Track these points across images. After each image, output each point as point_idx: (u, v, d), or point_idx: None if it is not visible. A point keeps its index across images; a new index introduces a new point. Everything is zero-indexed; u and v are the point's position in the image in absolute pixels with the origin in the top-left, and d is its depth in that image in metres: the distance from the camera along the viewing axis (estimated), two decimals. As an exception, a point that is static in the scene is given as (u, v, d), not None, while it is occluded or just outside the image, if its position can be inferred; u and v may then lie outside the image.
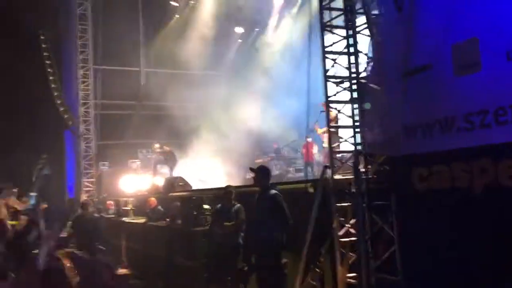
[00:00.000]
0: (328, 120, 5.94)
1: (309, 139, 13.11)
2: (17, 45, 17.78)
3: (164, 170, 15.23)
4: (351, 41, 5.53)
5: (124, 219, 11.88)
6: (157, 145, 15.25)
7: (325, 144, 12.24)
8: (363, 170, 5.38)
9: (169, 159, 14.36)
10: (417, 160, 4.49)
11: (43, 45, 18.29)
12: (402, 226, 4.87)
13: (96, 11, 18.69)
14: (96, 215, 9.46)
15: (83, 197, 17.91)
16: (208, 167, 15.69)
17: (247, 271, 6.69)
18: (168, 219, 9.37)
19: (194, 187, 12.01)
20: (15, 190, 11.29)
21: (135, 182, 16.04)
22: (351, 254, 5.52)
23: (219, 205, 7.20)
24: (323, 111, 10.21)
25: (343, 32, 5.65)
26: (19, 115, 18.44)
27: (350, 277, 5.47)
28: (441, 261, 4.35)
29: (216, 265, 7.00)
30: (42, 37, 18.19)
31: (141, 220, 11.05)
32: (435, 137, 4.30)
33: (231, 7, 17.83)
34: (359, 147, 5.38)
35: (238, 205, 6.91)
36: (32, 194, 20.10)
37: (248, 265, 6.69)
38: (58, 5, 18.49)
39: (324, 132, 11.41)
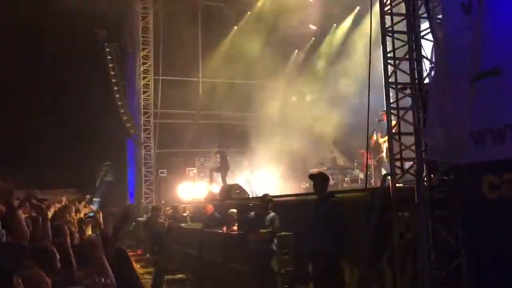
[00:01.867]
0: (389, 128, 5.82)
1: (362, 150, 12.90)
2: (85, 57, 18.83)
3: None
4: (413, 46, 5.41)
5: (182, 225, 12.13)
6: (215, 150, 15.43)
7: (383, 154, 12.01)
8: (426, 178, 5.23)
9: (222, 167, 14.54)
10: (487, 168, 4.27)
11: (108, 57, 19.22)
12: (470, 237, 4.65)
13: (158, 24, 19.44)
14: (161, 220, 9.73)
15: (143, 203, 18.52)
16: (264, 177, 15.79)
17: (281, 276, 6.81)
18: (224, 226, 9.48)
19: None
20: (87, 196, 11.69)
21: (192, 189, 16.39)
22: (412, 265, 5.33)
23: (252, 213, 7.40)
24: (380, 120, 10.09)
25: (405, 37, 5.54)
26: (85, 123, 19.43)
27: (412, 289, 5.29)
28: (510, 274, 4.12)
29: (251, 271, 7.21)
30: (107, 50, 19.10)
31: (198, 226, 11.25)
32: (506, 144, 4.09)
33: (288, 16, 17.94)
34: (422, 155, 5.23)
35: (273, 213, 7.13)
36: (95, 199, 21.08)
37: (304, 273, 6.67)
38: (123, 18, 19.40)
39: (384, 141, 11.20)
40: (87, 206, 10.52)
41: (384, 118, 12.42)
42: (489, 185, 4.24)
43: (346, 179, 14.31)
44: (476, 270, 4.59)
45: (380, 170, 12.56)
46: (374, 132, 10.48)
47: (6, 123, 18.49)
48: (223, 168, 14.50)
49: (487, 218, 4.37)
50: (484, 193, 4.29)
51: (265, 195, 7.39)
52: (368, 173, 13.23)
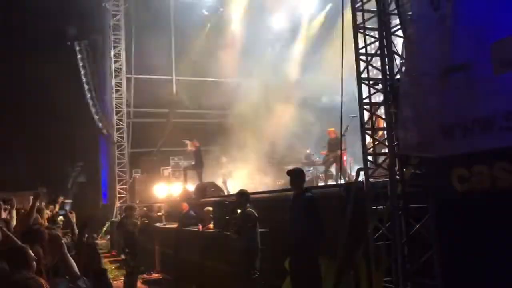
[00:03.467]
0: (362, 123, 5.88)
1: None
2: (54, 55, 18.43)
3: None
4: (384, 42, 5.48)
5: (157, 224, 12.03)
6: (187, 142, 15.15)
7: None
8: (398, 172, 5.32)
9: (197, 164, 14.38)
10: (456, 161, 4.37)
11: (79, 55, 18.86)
12: (440, 229, 4.76)
13: (129, 21, 19.15)
14: (135, 220, 9.58)
15: (117, 203, 18.27)
16: (239, 174, 15.76)
17: (257, 278, 6.74)
18: (200, 224, 9.44)
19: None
20: (60, 199, 11.34)
21: (167, 189, 16.26)
22: (387, 257, 5.42)
23: (239, 211, 7.28)
24: (354, 116, 10.20)
25: (376, 34, 5.61)
26: (56, 123, 19.04)
27: (386, 281, 5.37)
28: (481, 264, 4.23)
29: (231, 269, 7.19)
30: (78, 47, 18.74)
31: (173, 225, 11.17)
32: (474, 137, 4.19)
33: (262, 13, 17.97)
34: (394, 149, 5.31)
35: (248, 209, 6.95)
36: (67, 201, 20.65)
37: (280, 269, 6.69)
38: (93, 16, 19.04)
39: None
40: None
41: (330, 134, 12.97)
42: (459, 178, 4.33)
43: (321, 175, 14.41)
44: (447, 262, 4.69)
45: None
46: (348, 127, 10.53)
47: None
48: (198, 166, 14.36)
49: (458, 211, 4.47)
50: (454, 186, 4.39)
51: (240, 191, 7.35)
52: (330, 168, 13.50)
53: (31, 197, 5.82)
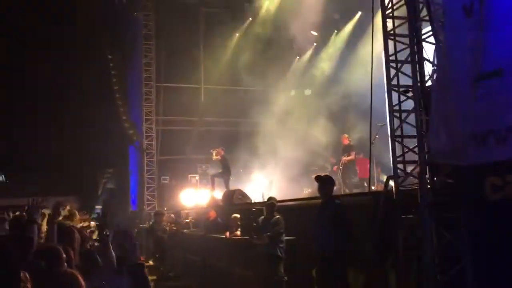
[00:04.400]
0: (391, 131, 5.82)
1: (361, 155, 13.08)
2: (86, 64, 18.94)
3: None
4: (415, 48, 5.42)
5: (185, 231, 12.12)
6: (213, 152, 15.26)
7: None
8: (428, 181, 5.22)
9: (224, 172, 14.45)
10: (489, 169, 4.27)
11: (111, 64, 19.30)
12: (474, 239, 4.63)
13: (160, 31, 19.52)
14: (164, 226, 9.71)
15: (146, 210, 18.50)
16: (266, 182, 15.79)
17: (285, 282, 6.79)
18: (227, 231, 9.46)
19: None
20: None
21: (194, 195, 16.38)
22: (417, 268, 5.31)
23: (262, 217, 7.43)
24: (383, 125, 10.11)
25: (407, 40, 5.56)
26: (87, 131, 19.50)
27: (416, 292, 5.26)
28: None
29: (257, 275, 7.24)
30: (109, 57, 19.20)
31: (201, 232, 11.24)
32: (508, 145, 4.09)
33: (289, 23, 18.01)
34: (425, 157, 5.22)
35: (277, 216, 7.14)
36: (97, 206, 21.09)
37: (308, 277, 6.65)
38: (125, 26, 19.50)
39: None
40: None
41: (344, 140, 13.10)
42: (492, 186, 4.23)
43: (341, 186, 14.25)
44: (479, 273, 4.57)
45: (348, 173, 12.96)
46: (377, 135, 10.41)
47: (8, 130, 18.58)
48: (225, 173, 14.41)
49: (490, 220, 4.36)
50: (487, 195, 4.28)
51: (269, 199, 7.42)
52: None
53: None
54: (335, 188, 12.22)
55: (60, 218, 5.79)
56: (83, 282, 2.21)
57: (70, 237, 3.91)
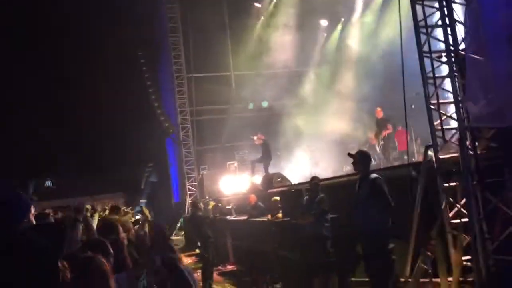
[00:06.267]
0: (427, 98, 5.67)
1: (400, 127, 12.77)
2: (119, 64, 19.30)
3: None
4: (445, 11, 5.24)
5: (228, 217, 12.29)
6: (254, 137, 15.38)
7: None
8: (470, 146, 5.08)
9: (264, 156, 14.51)
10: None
11: (142, 61, 19.62)
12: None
13: (185, 23, 19.63)
14: (200, 214, 9.88)
15: (188, 200, 18.85)
16: (304, 163, 15.76)
17: (333, 262, 6.76)
18: (269, 214, 9.53)
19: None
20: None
21: (234, 182, 16.53)
22: (465, 236, 5.20)
23: (305, 197, 7.42)
24: (418, 93, 9.86)
25: (436, 4, 5.38)
26: (125, 128, 19.95)
27: (465, 260, 5.16)
28: None
29: (303, 256, 7.21)
30: (140, 53, 19.51)
31: (243, 217, 11.36)
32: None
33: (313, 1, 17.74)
34: (464, 122, 5.08)
35: (321, 195, 7.13)
36: (142, 201, 21.68)
37: (353, 254, 6.64)
38: (151, 21, 19.72)
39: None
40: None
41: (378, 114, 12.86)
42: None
43: (381, 160, 14.02)
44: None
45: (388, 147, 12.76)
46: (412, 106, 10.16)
47: (49, 134, 19.23)
48: (266, 158, 14.49)
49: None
50: (533, 155, 4.13)
51: (313, 178, 7.40)
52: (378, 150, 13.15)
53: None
54: (374, 163, 12.21)
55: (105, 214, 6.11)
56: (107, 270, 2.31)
57: (112, 230, 4.09)
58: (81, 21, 18.13)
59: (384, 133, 12.85)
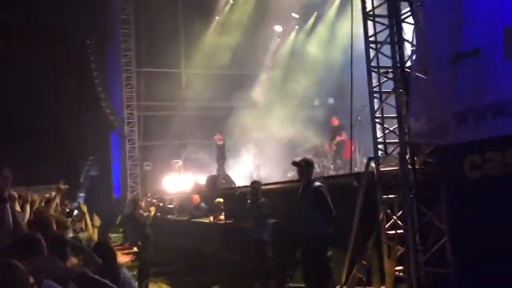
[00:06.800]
0: (372, 112, 5.84)
1: (346, 137, 13.11)
2: (64, 51, 18.54)
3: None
4: (394, 29, 5.42)
5: (169, 216, 12.11)
6: (215, 137, 15.28)
7: None
8: (409, 161, 5.27)
9: (220, 157, 14.55)
10: (469, 148, 4.31)
11: (89, 50, 18.95)
12: (453, 217, 4.71)
13: (139, 16, 19.18)
14: (142, 212, 9.64)
15: (129, 196, 18.40)
16: (252, 167, 15.80)
17: (272, 267, 6.83)
18: (211, 215, 9.47)
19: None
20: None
21: (178, 181, 16.33)
22: (399, 247, 5.39)
23: (249, 201, 7.45)
24: (364, 106, 10.16)
25: (386, 21, 5.55)
26: (67, 118, 19.18)
27: (398, 270, 5.35)
28: (495, 251, 4.18)
29: (244, 259, 7.35)
30: (88, 42, 18.83)
31: (185, 218, 11.23)
32: (487, 123, 4.13)
33: (270, 6, 17.86)
34: (405, 137, 5.26)
35: (263, 199, 7.16)
36: (80, 194, 20.89)
37: (292, 259, 6.72)
38: (103, 11, 19.09)
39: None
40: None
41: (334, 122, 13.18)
42: (471, 164, 4.28)
43: (332, 166, 14.33)
44: (459, 250, 4.65)
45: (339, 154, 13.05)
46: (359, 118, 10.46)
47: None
48: (220, 158, 14.56)
49: (470, 198, 4.42)
50: (466, 173, 4.33)
51: (253, 182, 7.43)
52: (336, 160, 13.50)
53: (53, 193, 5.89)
54: (318, 171, 12.45)
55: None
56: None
57: (44, 225, 3.88)
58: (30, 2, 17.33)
59: (337, 139, 13.12)
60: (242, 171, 15.34)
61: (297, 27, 19.48)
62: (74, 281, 2.02)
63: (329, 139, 13.70)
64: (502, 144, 4.02)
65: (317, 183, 5.91)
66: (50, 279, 2.27)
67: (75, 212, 9.10)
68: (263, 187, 7.66)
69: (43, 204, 7.77)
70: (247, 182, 12.52)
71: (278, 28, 19.86)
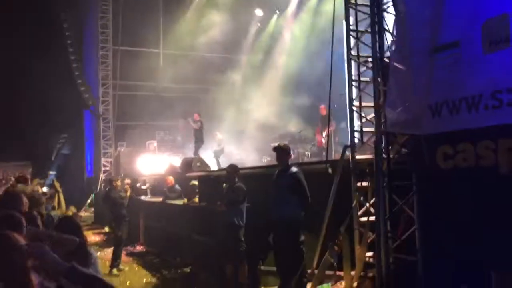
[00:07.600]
0: (350, 100, 5.89)
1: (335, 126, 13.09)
2: (39, 24, 17.97)
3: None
4: (376, 19, 5.45)
5: (143, 197, 12.03)
6: (190, 119, 15.05)
7: None
8: (384, 150, 5.36)
9: (198, 138, 14.40)
10: (442, 139, 4.42)
11: (64, 25, 18.44)
12: (424, 206, 4.84)
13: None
14: (119, 192, 9.54)
15: (102, 176, 18.18)
16: (225, 151, 15.77)
17: (244, 251, 6.88)
18: (185, 198, 9.46)
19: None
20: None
21: (152, 162, 16.21)
22: (370, 233, 5.51)
23: (224, 185, 7.43)
24: (342, 94, 10.22)
25: (368, 10, 5.57)
26: (40, 94, 18.68)
27: (369, 256, 5.48)
28: (462, 240, 4.32)
29: (216, 242, 7.33)
30: (64, 17, 18.32)
31: (159, 199, 11.18)
32: (461, 116, 4.23)
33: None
34: (381, 127, 5.34)
35: (238, 184, 7.09)
36: (51, 172, 20.50)
37: (265, 243, 6.78)
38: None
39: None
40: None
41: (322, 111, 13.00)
42: (443, 155, 4.39)
43: (306, 152, 14.44)
44: (428, 238, 4.79)
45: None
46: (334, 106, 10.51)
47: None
48: (199, 140, 14.43)
49: (441, 188, 4.54)
50: (439, 163, 4.44)
51: (229, 166, 7.39)
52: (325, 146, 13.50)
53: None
54: (293, 157, 12.47)
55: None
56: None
57: (15, 201, 3.78)
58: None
59: (329, 129, 12.89)
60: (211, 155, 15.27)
61: (277, 11, 19.36)
62: (65, 277, 1.99)
63: (319, 129, 13.41)
64: (474, 136, 4.13)
65: (295, 169, 5.97)
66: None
67: (45, 189, 8.97)
68: (241, 171, 7.66)
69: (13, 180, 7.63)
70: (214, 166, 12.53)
71: (258, 12, 19.69)
